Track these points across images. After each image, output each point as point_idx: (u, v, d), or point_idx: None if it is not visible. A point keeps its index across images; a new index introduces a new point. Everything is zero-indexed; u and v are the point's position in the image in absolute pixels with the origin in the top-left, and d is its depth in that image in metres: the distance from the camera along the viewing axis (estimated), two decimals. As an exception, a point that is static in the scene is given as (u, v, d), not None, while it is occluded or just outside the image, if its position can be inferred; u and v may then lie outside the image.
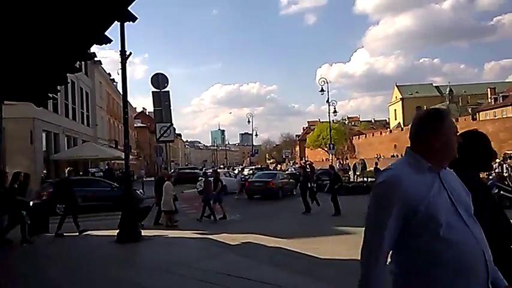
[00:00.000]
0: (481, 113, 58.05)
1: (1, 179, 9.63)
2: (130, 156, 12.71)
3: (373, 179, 24.48)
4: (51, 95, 9.44)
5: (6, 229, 9.47)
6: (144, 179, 33.85)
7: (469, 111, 63.17)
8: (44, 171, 24.20)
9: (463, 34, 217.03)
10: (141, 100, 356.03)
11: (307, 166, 32.70)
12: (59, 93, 19.73)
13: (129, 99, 11.19)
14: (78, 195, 11.61)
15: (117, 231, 9.53)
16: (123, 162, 13.22)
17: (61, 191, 11.22)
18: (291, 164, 46.90)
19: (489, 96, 64.40)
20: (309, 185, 15.53)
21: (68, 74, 7.71)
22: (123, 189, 11.05)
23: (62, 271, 7.16)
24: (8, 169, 19.06)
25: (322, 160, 68.83)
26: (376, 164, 25.53)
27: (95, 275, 6.77)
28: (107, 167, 31.17)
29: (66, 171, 11.84)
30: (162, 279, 6.36)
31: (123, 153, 11.26)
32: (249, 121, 51.40)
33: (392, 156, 52.80)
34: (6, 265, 7.83)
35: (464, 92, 76.45)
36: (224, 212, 13.94)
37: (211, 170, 25.76)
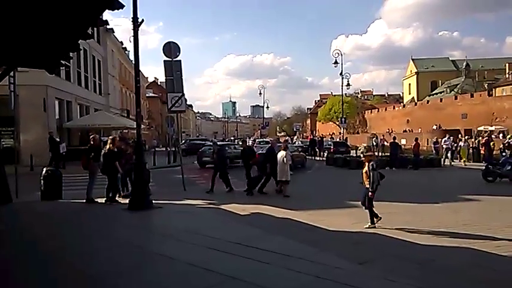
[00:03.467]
0: (497, 88, 56.61)
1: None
2: (142, 126, 12.76)
3: (387, 154, 24.31)
4: (63, 62, 9.43)
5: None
6: (156, 149, 34.16)
7: (485, 86, 61.77)
8: (57, 139, 24.53)
9: (485, 6, 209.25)
10: (154, 69, 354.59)
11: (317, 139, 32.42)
12: (71, 61, 19.73)
13: (141, 69, 11.20)
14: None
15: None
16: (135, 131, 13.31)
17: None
18: (298, 138, 46.92)
19: (507, 71, 62.74)
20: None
21: (80, 41, 7.68)
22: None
23: (71, 237, 7.35)
24: (22, 136, 19.38)
25: (334, 133, 68.56)
26: (394, 138, 25.15)
27: (104, 240, 6.92)
28: (120, 135, 31.40)
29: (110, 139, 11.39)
30: (170, 245, 6.48)
31: (135, 123, 11.29)
32: (260, 93, 51.10)
33: (405, 131, 52.34)
34: (17, 228, 8.05)
35: (482, 66, 74.48)
36: None
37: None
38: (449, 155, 24.61)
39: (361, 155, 9.12)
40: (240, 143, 22.03)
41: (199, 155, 24.33)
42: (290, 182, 12.93)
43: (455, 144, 26.24)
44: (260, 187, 13.00)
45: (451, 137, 26.78)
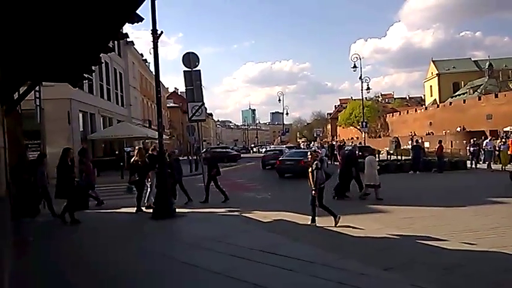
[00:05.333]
0: (523, 88, 55.24)
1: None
2: (164, 136, 12.93)
3: (408, 158, 23.84)
4: (86, 75, 9.65)
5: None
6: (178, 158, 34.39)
7: (510, 86, 60.24)
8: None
9: (509, 4, 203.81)
10: (174, 79, 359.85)
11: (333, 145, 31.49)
12: (93, 74, 20.18)
13: (162, 79, 11.37)
14: None
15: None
16: (157, 141, 13.49)
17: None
18: (316, 143, 46.62)
19: (532, 70, 61.10)
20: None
21: (101, 54, 7.84)
22: None
23: (97, 245, 7.48)
24: (48, 149, 19.88)
25: (353, 138, 67.91)
26: (417, 141, 24.42)
27: (130, 249, 7.03)
28: (142, 146, 31.86)
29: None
30: (195, 253, 6.52)
31: (157, 133, 11.46)
32: (279, 100, 51.11)
33: (428, 134, 51.43)
34: (44, 238, 8.24)
35: (506, 66, 72.58)
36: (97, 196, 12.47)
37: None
38: (482, 157, 23.15)
39: (308, 155, 9.57)
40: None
41: (264, 158, 28.00)
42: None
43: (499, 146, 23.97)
44: (342, 190, 12.90)
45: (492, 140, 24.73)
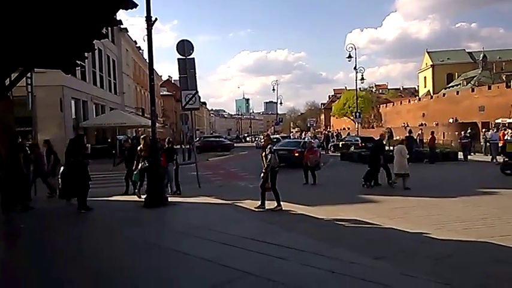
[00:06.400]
0: (516, 80, 55.43)
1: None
2: (157, 124, 12.86)
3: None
4: (79, 62, 9.57)
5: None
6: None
7: (503, 78, 60.51)
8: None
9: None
10: (168, 67, 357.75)
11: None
12: (86, 61, 20.00)
13: (155, 67, 11.32)
14: None
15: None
16: (150, 129, 13.42)
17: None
18: (307, 133, 46.71)
19: (526, 62, 61.31)
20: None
21: (94, 41, 7.77)
22: None
23: (85, 233, 7.50)
24: (40, 135, 19.82)
25: (344, 128, 68.07)
26: (410, 131, 24.38)
27: (120, 237, 7.03)
28: (134, 134, 31.74)
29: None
30: (186, 242, 6.55)
31: (150, 121, 11.40)
32: (273, 89, 50.98)
33: (421, 125, 51.69)
34: (34, 226, 8.22)
35: (499, 58, 72.86)
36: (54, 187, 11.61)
37: None
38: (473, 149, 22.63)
39: (262, 139, 9.93)
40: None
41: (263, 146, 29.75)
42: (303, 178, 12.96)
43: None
44: (370, 179, 13.08)
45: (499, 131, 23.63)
